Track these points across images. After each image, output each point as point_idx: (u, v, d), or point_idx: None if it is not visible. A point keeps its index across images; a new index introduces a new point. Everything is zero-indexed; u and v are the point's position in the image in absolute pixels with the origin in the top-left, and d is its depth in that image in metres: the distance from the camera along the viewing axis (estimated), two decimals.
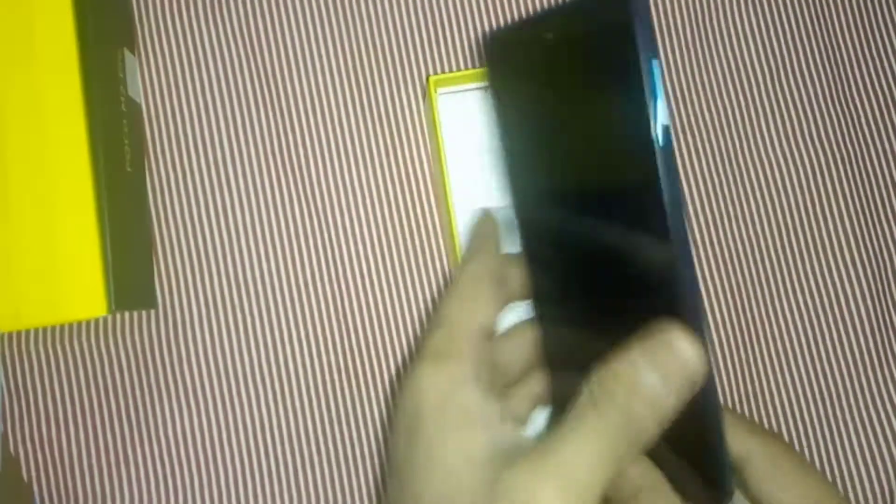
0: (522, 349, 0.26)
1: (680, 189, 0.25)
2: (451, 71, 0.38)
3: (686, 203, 0.38)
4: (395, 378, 0.37)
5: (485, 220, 0.26)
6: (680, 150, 0.38)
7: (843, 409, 0.37)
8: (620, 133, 0.23)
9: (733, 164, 0.38)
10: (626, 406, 0.20)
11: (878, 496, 0.37)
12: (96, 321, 0.36)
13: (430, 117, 0.35)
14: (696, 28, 0.39)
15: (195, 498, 0.36)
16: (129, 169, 0.35)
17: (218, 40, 0.38)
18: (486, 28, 0.39)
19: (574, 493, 0.20)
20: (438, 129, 0.33)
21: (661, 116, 0.22)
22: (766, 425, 0.37)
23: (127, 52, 0.36)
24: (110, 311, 0.31)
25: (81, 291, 0.31)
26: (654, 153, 0.22)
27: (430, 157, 0.38)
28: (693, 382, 0.21)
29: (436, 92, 0.34)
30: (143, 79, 0.38)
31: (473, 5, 0.39)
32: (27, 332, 0.36)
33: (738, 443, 0.24)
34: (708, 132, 0.38)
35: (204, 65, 0.38)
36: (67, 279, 0.31)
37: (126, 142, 0.35)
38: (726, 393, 0.37)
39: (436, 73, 0.38)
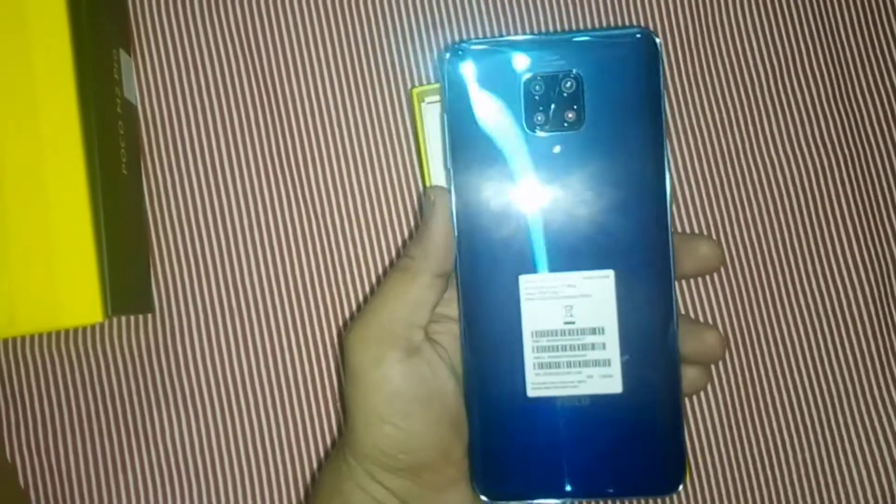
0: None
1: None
2: None
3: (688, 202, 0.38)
4: None
5: (435, 194, 0.29)
6: (681, 151, 0.38)
7: (845, 411, 0.37)
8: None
9: (735, 165, 0.38)
10: None
11: (880, 498, 0.37)
12: (93, 325, 0.36)
13: (415, 128, 0.36)
14: (697, 28, 0.38)
15: None
16: (124, 172, 0.34)
17: (215, 41, 0.37)
18: (486, 33, 0.38)
19: None
20: (423, 139, 0.34)
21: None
22: (767, 427, 0.37)
23: (123, 53, 0.36)
24: (106, 316, 0.31)
25: (77, 297, 0.31)
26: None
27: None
28: None
29: (419, 102, 0.34)
30: (139, 80, 0.37)
31: (475, 9, 0.38)
32: (23, 337, 0.36)
33: None
34: (710, 133, 0.38)
35: (201, 66, 0.37)
36: (62, 284, 0.31)
37: (122, 144, 0.35)
38: (727, 394, 0.37)
39: (436, 76, 0.38)
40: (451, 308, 0.29)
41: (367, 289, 0.37)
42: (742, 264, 0.38)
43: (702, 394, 0.37)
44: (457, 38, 0.38)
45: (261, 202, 0.37)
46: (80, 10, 0.32)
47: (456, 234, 0.28)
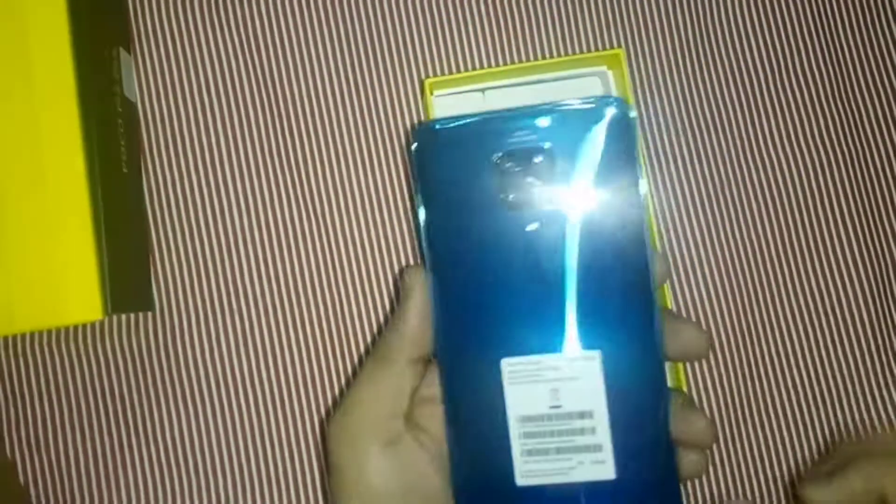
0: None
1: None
2: (451, 73, 0.38)
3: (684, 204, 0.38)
4: None
5: (411, 276, 0.28)
6: (679, 150, 0.38)
7: (844, 411, 0.37)
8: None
9: (733, 164, 0.38)
10: None
11: None
12: (93, 323, 0.36)
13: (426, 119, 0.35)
14: (696, 26, 0.38)
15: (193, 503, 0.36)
16: (124, 170, 0.34)
17: (215, 40, 0.37)
18: (487, 31, 0.38)
19: None
20: None
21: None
22: (766, 427, 0.37)
23: (122, 51, 0.36)
24: (106, 314, 0.31)
25: (77, 295, 0.31)
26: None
27: None
28: None
29: (432, 94, 0.34)
30: (139, 78, 0.37)
31: (474, 8, 0.38)
32: (23, 334, 0.36)
33: None
34: (708, 132, 0.38)
35: (201, 65, 0.37)
36: (62, 282, 0.31)
37: (122, 142, 0.35)
38: (726, 393, 0.37)
39: (435, 75, 0.38)
40: (436, 389, 0.28)
41: (367, 289, 0.37)
42: (742, 264, 0.38)
43: (701, 393, 0.37)
44: (457, 38, 0.38)
45: (261, 201, 0.37)
46: (80, 7, 0.32)
47: (434, 317, 0.27)
